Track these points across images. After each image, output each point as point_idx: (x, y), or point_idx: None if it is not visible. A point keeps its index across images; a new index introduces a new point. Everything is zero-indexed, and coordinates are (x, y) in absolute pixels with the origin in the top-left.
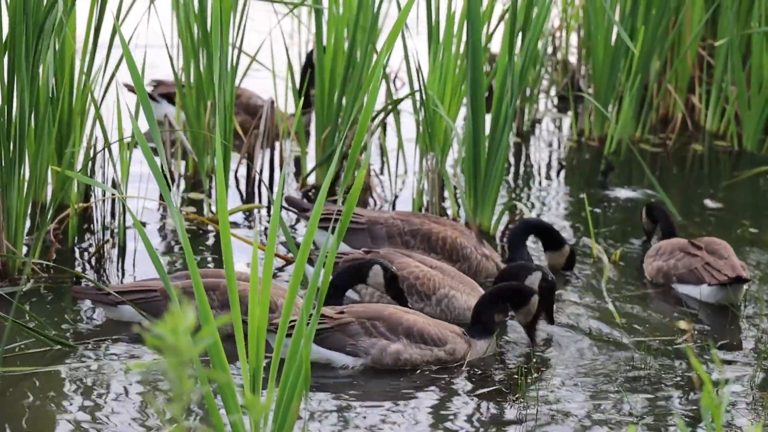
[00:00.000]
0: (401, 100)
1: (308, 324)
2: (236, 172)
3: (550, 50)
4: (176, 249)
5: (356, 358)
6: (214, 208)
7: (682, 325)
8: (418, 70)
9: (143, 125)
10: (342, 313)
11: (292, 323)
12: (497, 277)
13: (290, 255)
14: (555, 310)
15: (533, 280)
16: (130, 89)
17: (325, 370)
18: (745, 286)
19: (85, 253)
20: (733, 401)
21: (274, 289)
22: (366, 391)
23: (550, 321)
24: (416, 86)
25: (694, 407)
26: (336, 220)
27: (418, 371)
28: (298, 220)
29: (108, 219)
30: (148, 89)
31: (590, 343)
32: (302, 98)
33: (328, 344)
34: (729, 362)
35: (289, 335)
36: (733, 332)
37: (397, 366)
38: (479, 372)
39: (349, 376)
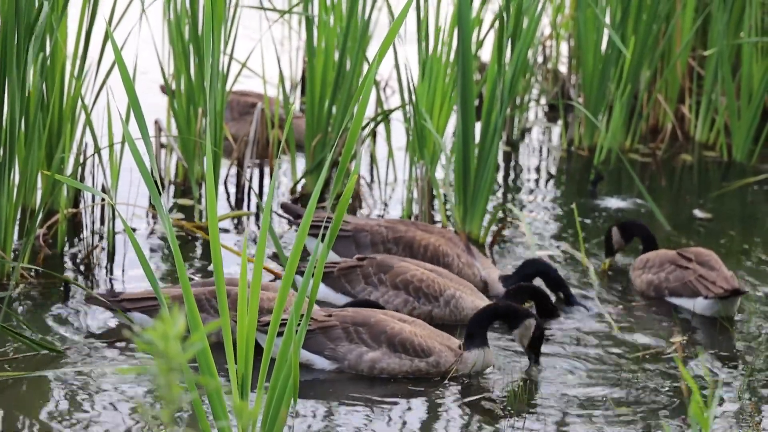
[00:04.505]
0: (391, 111)
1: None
2: (226, 178)
3: (540, 59)
4: (165, 255)
5: (333, 362)
6: (204, 215)
7: (673, 338)
8: (409, 78)
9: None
10: (330, 316)
11: (283, 321)
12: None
13: (280, 270)
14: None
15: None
16: (163, 90)
17: (314, 376)
18: (740, 299)
19: (75, 259)
20: (721, 411)
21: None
22: (355, 398)
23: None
24: (406, 95)
25: (683, 417)
26: (325, 228)
27: (411, 379)
28: (290, 225)
29: (97, 224)
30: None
31: (580, 354)
32: (293, 105)
33: (308, 346)
34: (718, 372)
35: (280, 334)
36: (722, 342)
37: (373, 374)
38: (470, 381)
39: (338, 382)
